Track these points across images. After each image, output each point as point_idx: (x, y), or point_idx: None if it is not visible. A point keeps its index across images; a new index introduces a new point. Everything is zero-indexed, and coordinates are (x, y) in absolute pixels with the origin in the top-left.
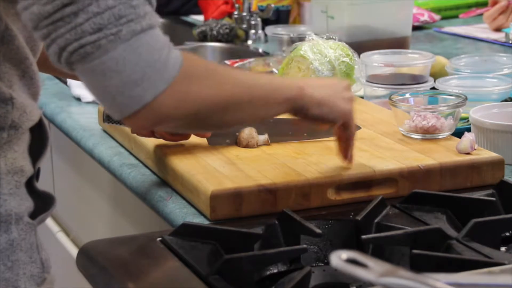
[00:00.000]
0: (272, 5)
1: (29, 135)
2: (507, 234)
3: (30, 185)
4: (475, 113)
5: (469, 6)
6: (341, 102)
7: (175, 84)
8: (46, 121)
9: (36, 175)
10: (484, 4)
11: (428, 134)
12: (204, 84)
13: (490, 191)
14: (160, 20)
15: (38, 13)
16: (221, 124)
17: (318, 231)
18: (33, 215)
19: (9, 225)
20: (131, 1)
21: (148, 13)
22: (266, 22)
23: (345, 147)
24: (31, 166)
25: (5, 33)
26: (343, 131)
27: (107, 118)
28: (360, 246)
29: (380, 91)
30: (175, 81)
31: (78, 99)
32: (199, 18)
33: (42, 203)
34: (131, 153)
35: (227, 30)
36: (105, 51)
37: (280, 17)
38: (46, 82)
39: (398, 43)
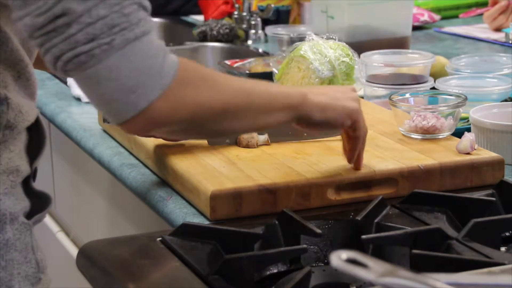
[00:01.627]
0: (272, 5)
1: (27, 135)
2: (507, 234)
3: (26, 185)
4: (475, 113)
5: (469, 6)
6: (346, 102)
7: (170, 90)
8: (44, 121)
9: (33, 174)
10: (484, 4)
11: (428, 134)
12: (200, 90)
13: (490, 191)
14: (155, 24)
15: (31, 24)
16: (219, 131)
17: (318, 231)
18: (29, 215)
19: (3, 224)
20: (124, 9)
21: (142, 20)
22: (266, 22)
23: (351, 148)
24: (27, 165)
25: None
26: (352, 132)
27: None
28: (360, 246)
29: (380, 91)
30: (170, 87)
31: (78, 99)
32: (199, 18)
33: (39, 203)
34: (131, 153)
35: (227, 30)
36: (99, 60)
37: (280, 17)
38: (46, 82)
39: (398, 43)
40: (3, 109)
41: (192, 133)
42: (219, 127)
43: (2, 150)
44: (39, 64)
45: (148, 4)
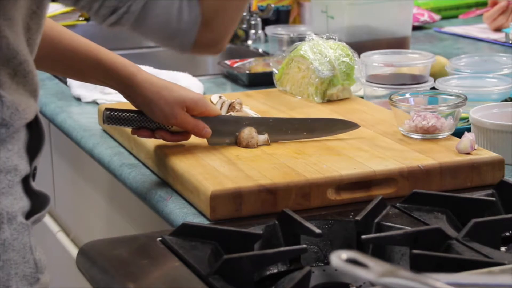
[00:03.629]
0: (272, 5)
1: (27, 133)
2: (507, 234)
3: (26, 184)
4: (475, 113)
5: (469, 6)
6: None
7: (204, 18)
8: (44, 121)
9: (32, 174)
10: (484, 4)
11: (428, 134)
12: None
13: (490, 191)
14: None
15: (67, 4)
16: None
17: (318, 231)
18: (29, 215)
19: (1, 224)
20: None
21: None
22: (266, 22)
23: None
24: (27, 165)
25: None
26: None
27: (107, 119)
28: (360, 246)
29: (380, 91)
30: (202, 16)
31: (78, 99)
32: None
33: (38, 203)
34: (131, 153)
35: None
36: (130, 27)
37: (280, 17)
38: (46, 82)
39: (398, 43)
40: None
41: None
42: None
43: None
44: (37, 64)
45: None
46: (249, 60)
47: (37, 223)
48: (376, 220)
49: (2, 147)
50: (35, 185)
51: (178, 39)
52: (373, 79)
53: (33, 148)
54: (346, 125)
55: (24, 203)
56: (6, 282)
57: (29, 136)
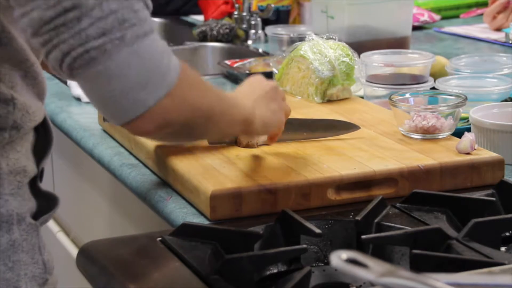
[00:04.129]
0: (272, 5)
1: (34, 135)
2: (507, 234)
3: (33, 185)
4: (475, 113)
5: (469, 6)
6: (280, 115)
7: (176, 89)
8: (50, 121)
9: (40, 175)
10: (484, 4)
11: (428, 134)
12: (197, 92)
13: (490, 191)
14: (156, 24)
15: (38, 18)
16: (200, 136)
17: (318, 231)
18: (36, 216)
19: (10, 225)
20: (133, 5)
21: (148, 18)
22: (266, 22)
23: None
24: (34, 166)
25: (2, 35)
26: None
27: None
28: (360, 246)
29: (380, 91)
30: (175, 86)
31: (78, 99)
32: (199, 18)
33: (46, 204)
34: (131, 153)
35: (227, 30)
36: (109, 56)
37: (280, 17)
38: (46, 82)
39: (398, 43)
40: (9, 110)
41: (180, 136)
42: (203, 130)
43: (9, 151)
44: (44, 66)
45: (150, 4)
46: (249, 60)
47: (44, 223)
48: (376, 220)
49: (11, 148)
50: (42, 186)
51: (145, 92)
52: (373, 79)
53: (40, 149)
54: (346, 126)
55: (31, 204)
56: (16, 283)
57: (36, 138)
